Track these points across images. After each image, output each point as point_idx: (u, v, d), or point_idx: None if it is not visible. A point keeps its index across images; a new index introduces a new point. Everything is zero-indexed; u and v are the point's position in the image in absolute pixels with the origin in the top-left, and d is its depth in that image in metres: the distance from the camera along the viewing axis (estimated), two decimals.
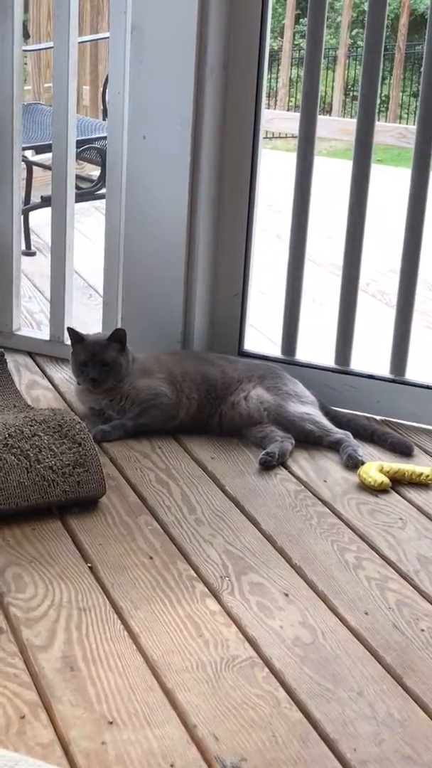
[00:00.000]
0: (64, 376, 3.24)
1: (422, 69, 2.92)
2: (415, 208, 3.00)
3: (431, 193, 2.99)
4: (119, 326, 3.16)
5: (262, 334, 3.56)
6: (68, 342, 3.00)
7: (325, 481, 2.75)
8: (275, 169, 4.72)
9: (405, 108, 8.98)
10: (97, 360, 2.88)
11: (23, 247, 4.04)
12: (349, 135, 3.31)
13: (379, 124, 6.43)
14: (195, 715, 1.87)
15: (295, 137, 3.10)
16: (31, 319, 3.73)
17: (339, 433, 2.91)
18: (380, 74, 2.96)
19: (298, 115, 3.08)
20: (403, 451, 2.89)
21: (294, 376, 3.06)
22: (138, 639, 2.07)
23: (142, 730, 1.83)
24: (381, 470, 2.73)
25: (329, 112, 7.96)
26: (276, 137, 8.32)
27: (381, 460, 2.83)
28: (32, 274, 4.13)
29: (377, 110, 3.01)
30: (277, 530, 2.50)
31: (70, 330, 2.96)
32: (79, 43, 3.54)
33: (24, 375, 3.27)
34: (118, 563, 2.32)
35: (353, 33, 8.94)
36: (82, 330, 2.99)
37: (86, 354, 2.90)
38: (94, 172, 5.01)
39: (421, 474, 2.75)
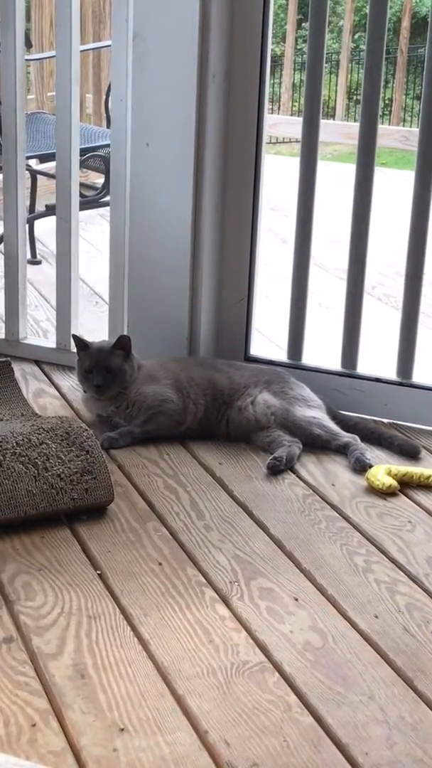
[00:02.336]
0: (70, 384, 3.25)
1: (425, 72, 2.92)
2: (419, 211, 2.99)
3: None
4: (125, 333, 3.17)
5: (268, 339, 3.56)
6: (74, 350, 3.01)
7: (333, 485, 2.75)
8: (279, 174, 4.72)
9: (408, 111, 8.98)
10: (101, 367, 2.89)
11: (29, 256, 4.05)
12: (352, 139, 3.31)
13: (383, 128, 6.42)
14: (206, 721, 1.87)
15: (299, 142, 3.11)
16: (38, 327, 3.74)
17: (346, 436, 2.91)
18: (382, 78, 2.96)
19: (301, 119, 3.08)
20: (410, 453, 2.89)
21: (300, 381, 3.06)
22: (148, 645, 2.07)
23: (154, 737, 1.83)
24: (389, 473, 2.73)
25: (333, 116, 7.97)
26: (280, 142, 8.33)
27: (389, 463, 2.83)
28: (38, 283, 4.14)
29: (380, 113, 3.01)
30: (286, 535, 2.50)
31: (75, 337, 2.96)
32: (82, 51, 3.55)
33: (31, 383, 3.28)
34: (127, 570, 2.32)
35: (356, 37, 8.94)
36: (89, 337, 2.99)
37: (91, 361, 2.90)
38: (99, 180, 5.01)
39: (429, 476, 2.74)
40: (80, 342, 2.94)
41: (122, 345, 2.92)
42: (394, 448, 2.91)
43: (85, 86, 5.92)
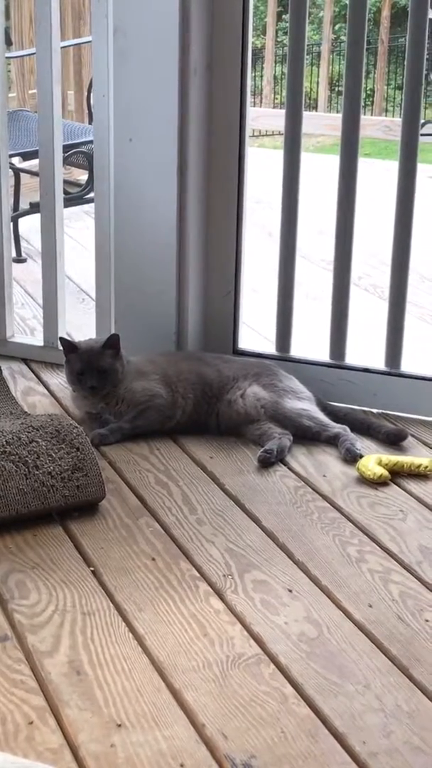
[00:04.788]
0: (59, 381, 3.24)
1: (406, 61, 2.92)
2: (403, 200, 3.00)
3: (419, 185, 3.00)
4: (113, 329, 3.17)
5: (256, 332, 3.56)
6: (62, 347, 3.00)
7: (324, 475, 2.75)
8: (263, 167, 4.72)
9: (390, 101, 8.98)
10: (93, 368, 2.88)
11: (14, 254, 4.04)
12: (335, 130, 3.31)
13: (365, 118, 6.42)
14: (203, 715, 1.88)
15: (282, 134, 3.10)
16: (25, 325, 3.73)
17: (336, 427, 2.91)
18: (364, 68, 2.96)
19: (284, 111, 3.08)
20: (397, 437, 2.89)
21: (289, 373, 3.06)
22: (143, 640, 2.07)
23: (151, 732, 1.83)
24: (380, 463, 2.74)
25: (315, 107, 7.97)
26: (263, 135, 8.33)
27: (379, 452, 2.84)
28: (24, 281, 4.13)
29: (363, 104, 3.01)
30: (279, 527, 2.50)
31: (63, 340, 2.96)
32: (62, 47, 3.54)
33: (19, 382, 3.27)
34: (120, 566, 2.32)
35: (336, 28, 8.93)
36: (77, 335, 2.99)
37: (82, 363, 2.90)
38: (82, 176, 5.00)
39: (420, 465, 2.75)
40: (68, 344, 2.93)
41: (112, 344, 2.91)
42: (381, 437, 2.91)
43: (66, 83, 5.91)
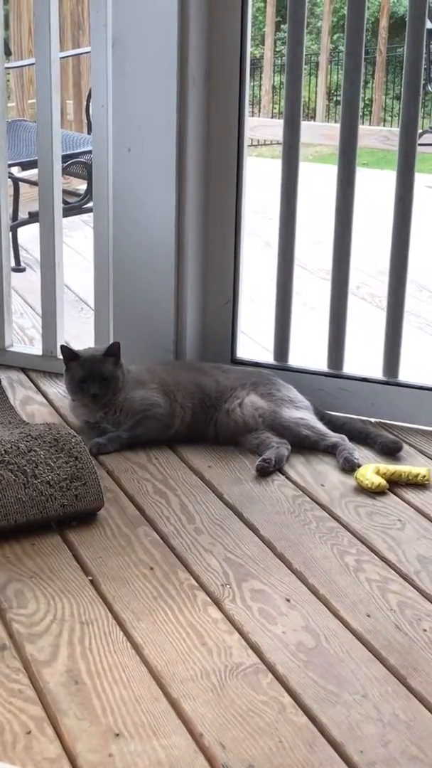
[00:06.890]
0: (58, 390, 3.25)
1: (403, 71, 2.93)
2: (401, 210, 3.01)
3: (417, 195, 3.01)
4: (111, 338, 3.17)
5: (254, 342, 3.56)
6: (61, 356, 3.00)
7: (322, 485, 2.76)
8: (261, 176, 4.73)
9: (388, 111, 9.00)
10: (95, 376, 2.89)
11: (13, 264, 4.05)
12: (333, 140, 3.33)
13: (363, 128, 6.45)
14: (201, 724, 1.88)
15: (280, 144, 3.11)
16: (23, 335, 3.74)
17: (334, 436, 2.91)
18: (362, 78, 2.97)
19: (282, 121, 3.09)
20: (392, 449, 2.89)
21: (287, 382, 3.06)
22: (141, 650, 2.07)
23: (149, 741, 1.83)
24: (378, 472, 2.74)
25: (313, 117, 7.99)
26: (261, 144, 8.35)
27: (377, 462, 2.84)
28: (23, 290, 4.13)
29: (360, 114, 3.03)
30: (277, 536, 2.50)
31: (64, 348, 2.95)
32: (61, 58, 3.55)
33: (18, 391, 3.27)
34: (118, 575, 2.32)
35: (334, 38, 8.96)
36: (76, 344, 3.00)
37: (84, 371, 2.90)
38: (81, 186, 5.01)
39: (417, 474, 2.75)
40: (69, 352, 2.93)
41: (113, 352, 2.92)
42: (377, 447, 2.91)
43: (65, 93, 5.92)
